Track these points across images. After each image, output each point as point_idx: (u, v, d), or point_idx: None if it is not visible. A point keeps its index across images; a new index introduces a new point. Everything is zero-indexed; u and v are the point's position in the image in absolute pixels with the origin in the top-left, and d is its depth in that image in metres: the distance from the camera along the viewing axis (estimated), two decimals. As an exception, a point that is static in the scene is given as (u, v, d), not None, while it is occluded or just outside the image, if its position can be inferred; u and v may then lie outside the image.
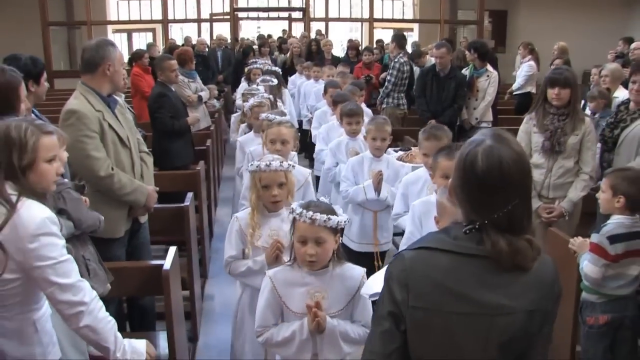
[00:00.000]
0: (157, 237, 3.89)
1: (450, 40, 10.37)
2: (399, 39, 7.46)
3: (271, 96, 5.27)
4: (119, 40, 15.23)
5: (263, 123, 3.93)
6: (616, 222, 2.91)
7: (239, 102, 6.89)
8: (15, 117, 2.12)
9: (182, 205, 3.94)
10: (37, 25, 12.11)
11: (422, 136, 3.43)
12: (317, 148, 4.96)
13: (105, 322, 2.02)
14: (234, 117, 5.73)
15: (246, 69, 7.33)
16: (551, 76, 3.84)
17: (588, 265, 2.87)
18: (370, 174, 3.85)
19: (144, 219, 3.53)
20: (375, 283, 2.14)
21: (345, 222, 2.36)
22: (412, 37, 14.85)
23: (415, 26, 15.25)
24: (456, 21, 14.59)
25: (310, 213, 2.27)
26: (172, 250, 3.01)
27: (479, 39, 8.95)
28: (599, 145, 4.10)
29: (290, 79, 8.57)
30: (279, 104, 6.11)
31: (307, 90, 7.50)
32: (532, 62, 8.13)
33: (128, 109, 4.08)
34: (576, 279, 3.04)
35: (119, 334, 2.06)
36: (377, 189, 3.78)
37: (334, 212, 2.33)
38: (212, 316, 4.29)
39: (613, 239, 2.87)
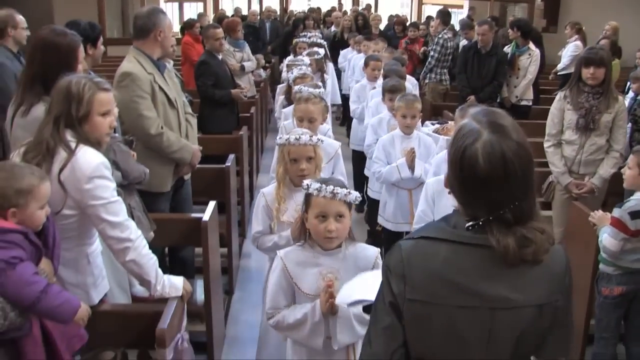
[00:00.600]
0: (199, 197, 4.05)
1: (496, 18, 10.25)
2: (444, 15, 7.51)
3: (310, 68, 5.37)
4: (170, 10, 15.54)
5: (296, 95, 3.96)
6: (639, 198, 3.02)
7: (284, 74, 7.11)
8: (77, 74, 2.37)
9: (224, 166, 4.17)
10: None
11: (459, 113, 3.38)
12: (366, 141, 4.63)
13: (148, 258, 2.28)
14: (279, 89, 5.88)
15: (293, 41, 7.52)
16: (586, 56, 3.90)
17: (607, 238, 2.99)
18: (402, 153, 3.89)
19: (187, 176, 3.79)
20: (354, 290, 2.10)
21: (358, 197, 2.30)
22: (462, 15, 14.76)
23: (465, 3, 15.04)
24: (506, -1, 14.34)
25: (331, 187, 2.23)
26: (212, 204, 3.27)
27: (522, 17, 8.85)
28: (629, 124, 4.14)
29: (342, 52, 8.60)
30: (325, 76, 6.29)
31: (355, 63, 7.52)
32: (578, 42, 8.03)
33: (175, 74, 4.32)
34: (594, 252, 3.17)
35: (159, 270, 2.31)
36: (411, 166, 3.80)
37: (349, 191, 2.27)
38: (248, 273, 4.54)
39: (634, 214, 2.97)
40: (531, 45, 6.50)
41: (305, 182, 2.31)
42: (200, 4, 15.30)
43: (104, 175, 2.18)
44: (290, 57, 7.01)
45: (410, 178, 3.85)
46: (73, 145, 2.15)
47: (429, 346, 1.50)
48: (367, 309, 1.96)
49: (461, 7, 15.15)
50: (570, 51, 8.27)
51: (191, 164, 3.64)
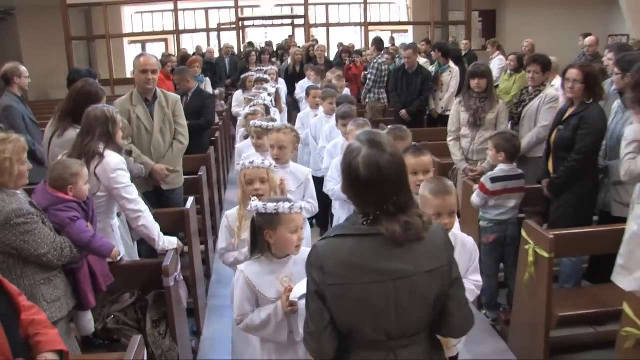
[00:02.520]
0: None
1: (429, 41, 11.62)
2: (378, 43, 8.84)
3: (266, 102, 5.80)
4: (134, 50, 16.73)
5: (251, 130, 4.45)
6: (499, 169, 4.27)
7: (235, 109, 7.89)
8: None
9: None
10: (61, 39, 13.28)
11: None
12: (324, 165, 5.02)
13: (153, 223, 3.44)
14: (239, 121, 6.26)
15: (242, 76, 8.25)
16: (472, 70, 5.20)
17: (474, 195, 4.24)
18: None
19: (164, 186, 4.69)
20: (302, 287, 2.38)
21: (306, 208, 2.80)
22: (408, 38, 16.23)
23: (410, 28, 16.57)
24: (445, 22, 15.80)
25: (299, 203, 2.64)
26: (191, 199, 4.41)
27: (442, 41, 10.20)
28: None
29: (299, 84, 8.92)
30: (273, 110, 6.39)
31: None
32: (501, 56, 9.46)
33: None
34: (477, 212, 4.41)
35: (161, 233, 3.47)
36: None
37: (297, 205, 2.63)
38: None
39: (493, 179, 4.21)
40: (451, 63, 7.84)
41: (251, 202, 2.67)
42: (162, 44, 16.54)
43: (123, 168, 3.37)
44: (239, 93, 7.75)
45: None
46: (102, 150, 3.32)
47: (350, 319, 1.91)
48: None
49: (406, 31, 16.70)
50: (496, 65, 9.67)
51: (152, 179, 4.56)
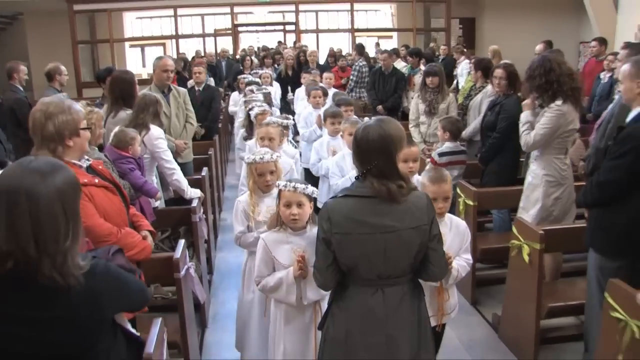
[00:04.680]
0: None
1: (408, 47, 13.03)
2: (359, 48, 10.37)
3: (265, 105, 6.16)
4: (134, 54, 18.17)
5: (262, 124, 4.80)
6: (445, 146, 5.70)
7: (232, 108, 8.76)
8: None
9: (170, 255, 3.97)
10: (67, 43, 14.59)
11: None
12: (311, 161, 5.59)
13: (183, 178, 4.85)
14: (237, 123, 7.38)
15: (238, 78, 9.20)
16: (427, 70, 6.70)
17: (427, 167, 5.66)
18: (352, 166, 3.72)
19: (179, 159, 5.83)
20: None
21: (317, 192, 3.13)
22: (392, 44, 17.66)
23: (395, 34, 18.06)
24: (426, 29, 17.29)
25: (293, 183, 3.04)
26: (205, 169, 5.82)
27: (414, 47, 11.64)
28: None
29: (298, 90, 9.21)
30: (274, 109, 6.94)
31: (302, 96, 8.13)
32: (466, 60, 10.88)
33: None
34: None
35: (189, 186, 4.87)
36: None
37: (308, 185, 3.06)
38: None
39: (441, 154, 5.64)
40: (422, 66, 9.31)
41: (277, 182, 3.15)
42: (161, 48, 17.94)
43: (162, 137, 4.78)
44: (236, 94, 8.51)
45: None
46: (149, 124, 4.73)
47: (349, 261, 2.49)
48: None
49: (391, 37, 18.19)
50: (465, 69, 11.12)
51: (177, 150, 5.84)
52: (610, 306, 3.10)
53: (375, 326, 2.52)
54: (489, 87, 6.53)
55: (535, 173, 4.58)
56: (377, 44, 15.91)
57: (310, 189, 3.07)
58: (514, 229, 4.23)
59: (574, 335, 4.30)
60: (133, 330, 2.36)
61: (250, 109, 6.05)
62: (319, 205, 4.68)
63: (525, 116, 4.68)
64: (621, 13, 14.50)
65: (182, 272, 3.64)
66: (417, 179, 3.76)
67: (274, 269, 3.10)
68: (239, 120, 7.02)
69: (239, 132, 6.79)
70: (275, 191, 3.30)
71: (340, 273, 2.56)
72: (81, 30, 15.69)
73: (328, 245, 2.50)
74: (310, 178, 5.65)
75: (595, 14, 14.61)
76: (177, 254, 3.66)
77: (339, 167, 4.83)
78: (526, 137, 4.60)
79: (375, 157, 2.45)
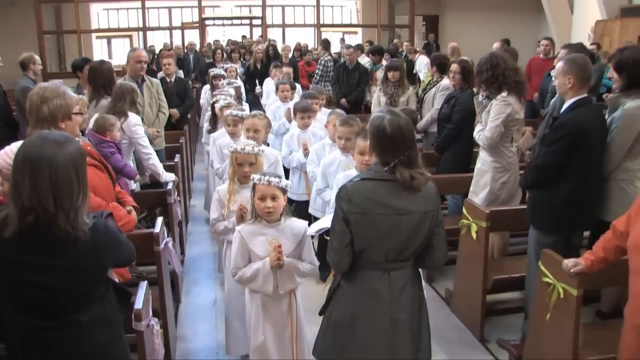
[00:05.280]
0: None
1: (371, 42, 13.44)
2: (325, 43, 10.79)
3: (231, 99, 6.43)
4: (100, 46, 18.28)
5: (227, 118, 5.18)
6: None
7: (203, 101, 8.73)
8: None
9: (151, 231, 4.05)
10: (31, 33, 14.56)
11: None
12: (282, 154, 5.52)
13: (158, 162, 5.18)
14: (203, 117, 7.59)
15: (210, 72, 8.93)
16: (389, 65, 7.18)
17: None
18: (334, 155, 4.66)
19: (152, 147, 6.13)
20: (317, 225, 3.16)
21: (290, 185, 3.23)
22: (357, 39, 18.14)
23: (359, 30, 18.55)
24: (390, 25, 17.81)
25: (267, 177, 3.13)
26: (178, 155, 6.16)
27: (376, 45, 11.88)
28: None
29: (266, 80, 9.49)
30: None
31: (270, 89, 8.59)
32: (423, 56, 11.42)
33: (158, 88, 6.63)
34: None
35: (164, 169, 5.22)
36: None
37: (281, 178, 3.17)
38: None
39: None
40: (383, 62, 9.75)
41: (252, 175, 3.24)
42: (127, 40, 18.10)
43: (139, 124, 5.12)
44: (207, 87, 8.45)
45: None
46: (127, 112, 5.05)
47: (364, 241, 2.60)
48: (326, 233, 2.90)
49: (356, 32, 18.66)
50: (423, 64, 11.61)
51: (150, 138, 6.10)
52: (542, 273, 3.58)
53: (380, 308, 2.66)
54: (444, 81, 6.95)
55: (484, 160, 5.02)
56: (342, 40, 16.34)
57: (284, 182, 3.17)
58: (464, 210, 4.65)
59: (519, 307, 4.63)
60: (120, 284, 2.70)
61: (215, 102, 6.24)
62: (291, 196, 4.99)
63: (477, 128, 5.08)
64: (576, 14, 15.22)
65: (162, 246, 3.97)
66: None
67: (250, 260, 3.21)
68: (208, 114, 7.09)
69: (204, 126, 7.03)
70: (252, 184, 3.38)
71: (353, 257, 2.68)
72: (47, 20, 15.74)
73: (347, 224, 2.60)
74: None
75: (552, 14, 15.32)
76: (157, 228, 3.97)
77: (318, 156, 4.96)
78: (483, 134, 4.90)
79: (410, 145, 2.61)
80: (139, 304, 2.91)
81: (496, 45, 9.97)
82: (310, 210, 5.03)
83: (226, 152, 4.26)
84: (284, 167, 5.22)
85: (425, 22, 18.42)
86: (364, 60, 10.68)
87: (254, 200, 3.21)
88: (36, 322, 2.25)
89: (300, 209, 4.81)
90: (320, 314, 2.90)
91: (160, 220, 4.11)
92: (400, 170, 2.57)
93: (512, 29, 15.69)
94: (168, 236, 4.16)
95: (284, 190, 3.19)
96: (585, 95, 3.89)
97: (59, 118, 3.17)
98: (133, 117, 5.09)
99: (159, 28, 18.14)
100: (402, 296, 2.68)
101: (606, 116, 4.15)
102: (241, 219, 3.39)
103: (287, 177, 4.53)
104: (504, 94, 4.79)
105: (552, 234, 3.92)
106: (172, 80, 7.83)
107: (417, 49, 12.19)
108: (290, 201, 4.20)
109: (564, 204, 3.85)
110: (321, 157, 4.86)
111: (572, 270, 3.25)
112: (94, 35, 17.42)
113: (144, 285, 3.10)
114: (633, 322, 2.78)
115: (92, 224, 2.27)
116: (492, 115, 4.82)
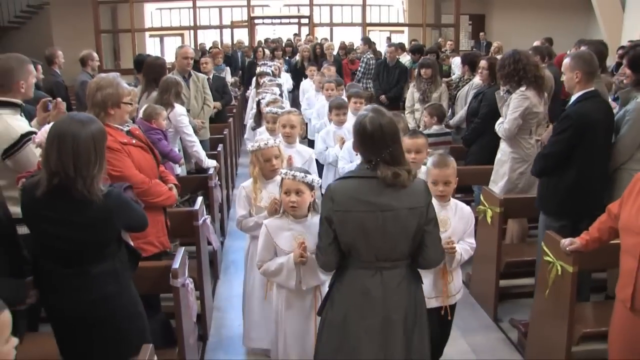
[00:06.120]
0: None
1: (416, 41, 13.79)
2: (367, 41, 11.14)
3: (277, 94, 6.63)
4: (153, 44, 19.10)
5: (267, 115, 5.31)
6: (432, 128, 6.49)
7: (248, 92, 9.41)
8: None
9: (192, 209, 4.60)
10: (89, 32, 15.31)
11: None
12: (317, 150, 5.61)
13: (201, 149, 5.69)
14: (248, 114, 7.91)
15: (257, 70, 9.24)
16: (422, 62, 7.52)
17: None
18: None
19: (198, 137, 6.59)
20: None
21: (317, 181, 3.25)
22: (403, 38, 18.39)
23: (405, 29, 18.81)
24: (436, 24, 18.01)
25: (293, 171, 3.16)
26: (221, 145, 6.66)
27: (416, 44, 12.06)
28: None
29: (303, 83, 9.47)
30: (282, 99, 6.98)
31: (306, 89, 8.92)
32: (457, 57, 11.54)
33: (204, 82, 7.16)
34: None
35: (206, 157, 5.73)
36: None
37: (309, 174, 3.19)
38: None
39: (428, 136, 6.41)
40: (422, 60, 10.09)
41: (280, 170, 3.35)
42: (179, 38, 18.84)
43: (184, 114, 5.64)
44: (253, 86, 8.61)
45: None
46: (173, 103, 5.58)
47: (349, 238, 2.62)
48: None
49: (402, 31, 18.95)
50: (456, 65, 11.79)
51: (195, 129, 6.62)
52: (544, 252, 3.83)
53: (372, 308, 2.66)
54: (476, 79, 7.22)
55: (503, 151, 5.35)
56: (389, 39, 16.70)
57: (310, 177, 3.19)
58: (481, 197, 4.98)
59: (532, 292, 4.77)
60: (133, 245, 3.12)
61: (262, 98, 6.36)
62: None
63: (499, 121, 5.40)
64: (628, 13, 15.11)
65: (200, 222, 4.45)
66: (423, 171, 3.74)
67: (276, 254, 3.28)
68: (252, 111, 7.05)
69: (249, 123, 7.00)
70: (278, 178, 3.47)
71: (341, 254, 2.70)
72: (104, 20, 16.48)
73: (330, 224, 2.64)
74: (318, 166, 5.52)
75: (602, 13, 15.20)
76: (196, 206, 4.48)
77: (350, 153, 4.95)
78: (502, 127, 5.25)
79: (390, 144, 2.61)
80: (176, 264, 3.39)
81: (536, 43, 10.16)
82: None
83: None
84: (317, 164, 5.26)
85: (472, 22, 18.57)
86: (405, 58, 10.99)
87: (281, 194, 3.30)
88: (54, 267, 2.74)
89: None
90: (319, 314, 2.94)
91: (200, 199, 4.60)
92: (381, 168, 2.59)
93: (559, 28, 15.49)
94: (207, 214, 4.65)
95: (310, 186, 3.22)
96: (592, 88, 4.20)
97: (109, 105, 3.61)
98: (179, 108, 5.60)
99: (209, 27, 18.83)
100: (395, 295, 2.68)
101: (618, 110, 4.44)
102: (275, 212, 3.44)
103: (320, 175, 4.61)
104: (523, 88, 5.09)
105: (559, 219, 4.24)
106: (210, 77, 8.31)
107: (449, 54, 12.23)
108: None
109: (568, 190, 4.18)
110: (353, 154, 4.81)
111: (567, 249, 3.53)
112: (147, 33, 18.18)
113: (181, 250, 3.58)
114: (621, 296, 2.99)
115: (107, 191, 2.74)
116: (511, 108, 5.13)
